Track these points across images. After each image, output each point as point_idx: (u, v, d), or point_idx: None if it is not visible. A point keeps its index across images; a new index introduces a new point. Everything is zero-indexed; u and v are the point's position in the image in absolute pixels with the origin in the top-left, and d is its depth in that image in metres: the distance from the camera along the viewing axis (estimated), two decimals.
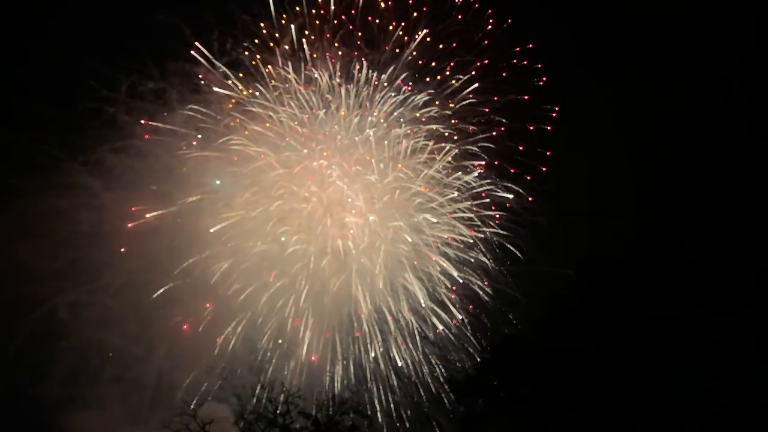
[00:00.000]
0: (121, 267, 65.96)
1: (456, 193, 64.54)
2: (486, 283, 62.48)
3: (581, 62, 66.47)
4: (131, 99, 66.59)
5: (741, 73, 56.77)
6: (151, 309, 65.13)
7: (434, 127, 65.64)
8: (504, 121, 65.14)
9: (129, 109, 66.74)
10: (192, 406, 56.93)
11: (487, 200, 64.15)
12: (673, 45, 62.58)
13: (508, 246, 63.38)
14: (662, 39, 62.81)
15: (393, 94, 66.24)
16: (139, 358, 64.57)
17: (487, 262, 63.14)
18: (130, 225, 65.45)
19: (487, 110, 65.54)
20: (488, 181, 64.84)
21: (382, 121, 66.02)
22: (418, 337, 62.09)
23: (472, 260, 63.16)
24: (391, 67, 66.13)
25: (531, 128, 64.59)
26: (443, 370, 60.71)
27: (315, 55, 66.06)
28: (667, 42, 62.71)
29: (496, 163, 64.74)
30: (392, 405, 60.35)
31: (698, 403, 36.04)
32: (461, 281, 62.99)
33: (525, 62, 65.92)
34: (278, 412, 45.14)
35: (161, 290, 63.19)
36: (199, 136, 66.63)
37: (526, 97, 65.60)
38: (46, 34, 68.54)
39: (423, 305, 62.51)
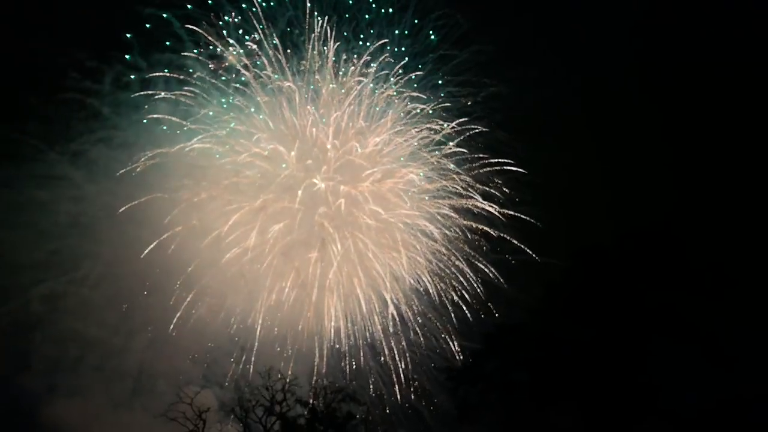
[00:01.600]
0: (102, 258, 65.97)
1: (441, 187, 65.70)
2: (475, 273, 63.58)
3: (569, 53, 67.11)
4: (117, 90, 66.39)
5: (730, 63, 58.37)
6: (132, 299, 65.34)
7: (419, 126, 66.67)
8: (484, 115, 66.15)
9: (114, 101, 66.54)
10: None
11: (474, 193, 65.17)
12: (658, 36, 63.89)
13: (494, 237, 64.51)
14: (646, 28, 64.11)
15: (379, 88, 67.07)
16: (120, 347, 64.56)
17: (474, 252, 64.33)
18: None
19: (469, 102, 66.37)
20: (476, 173, 65.88)
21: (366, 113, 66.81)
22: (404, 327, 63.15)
23: (459, 250, 64.38)
24: (377, 61, 66.87)
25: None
26: (436, 360, 61.77)
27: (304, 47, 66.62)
28: (652, 31, 63.80)
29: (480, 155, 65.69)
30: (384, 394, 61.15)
31: (690, 389, 37.52)
32: (449, 271, 64.22)
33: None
34: (275, 399, 45.62)
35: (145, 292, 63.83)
36: (185, 126, 66.55)
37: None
38: (30, 24, 67.72)
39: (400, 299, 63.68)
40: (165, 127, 66.47)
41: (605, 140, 62.69)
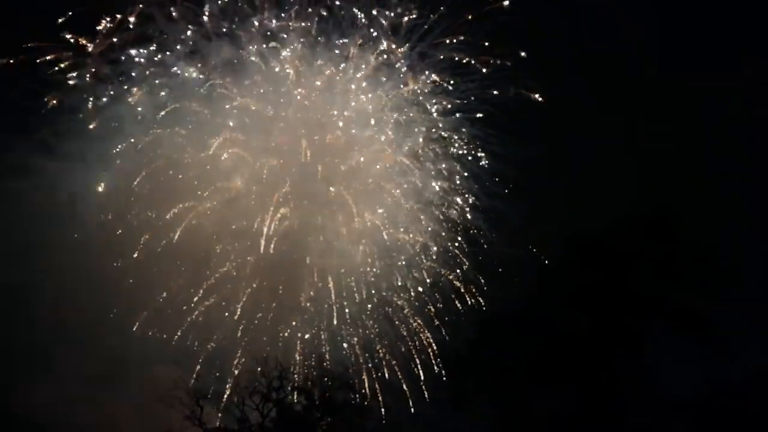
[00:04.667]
0: (75, 249, 65.38)
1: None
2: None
3: (566, 41, 67.49)
4: (92, 79, 65.86)
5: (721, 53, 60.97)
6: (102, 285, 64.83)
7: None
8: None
9: (91, 90, 65.97)
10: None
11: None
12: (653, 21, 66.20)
13: (478, 230, 66.14)
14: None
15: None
16: (92, 332, 64.01)
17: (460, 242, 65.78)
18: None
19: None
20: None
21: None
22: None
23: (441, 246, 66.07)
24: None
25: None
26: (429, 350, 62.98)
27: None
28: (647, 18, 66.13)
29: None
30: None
31: (685, 375, 39.06)
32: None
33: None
34: (272, 386, 46.28)
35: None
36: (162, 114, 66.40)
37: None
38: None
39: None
40: (140, 120, 66.53)
41: (586, 132, 64.50)
